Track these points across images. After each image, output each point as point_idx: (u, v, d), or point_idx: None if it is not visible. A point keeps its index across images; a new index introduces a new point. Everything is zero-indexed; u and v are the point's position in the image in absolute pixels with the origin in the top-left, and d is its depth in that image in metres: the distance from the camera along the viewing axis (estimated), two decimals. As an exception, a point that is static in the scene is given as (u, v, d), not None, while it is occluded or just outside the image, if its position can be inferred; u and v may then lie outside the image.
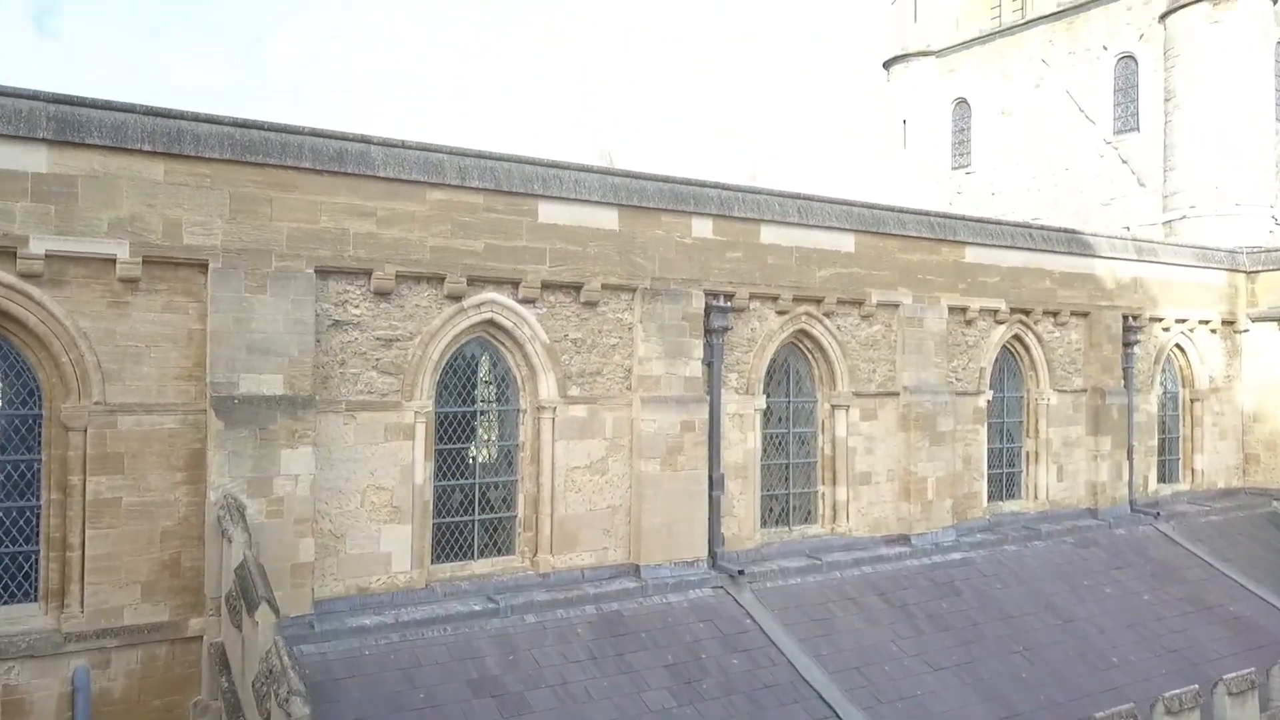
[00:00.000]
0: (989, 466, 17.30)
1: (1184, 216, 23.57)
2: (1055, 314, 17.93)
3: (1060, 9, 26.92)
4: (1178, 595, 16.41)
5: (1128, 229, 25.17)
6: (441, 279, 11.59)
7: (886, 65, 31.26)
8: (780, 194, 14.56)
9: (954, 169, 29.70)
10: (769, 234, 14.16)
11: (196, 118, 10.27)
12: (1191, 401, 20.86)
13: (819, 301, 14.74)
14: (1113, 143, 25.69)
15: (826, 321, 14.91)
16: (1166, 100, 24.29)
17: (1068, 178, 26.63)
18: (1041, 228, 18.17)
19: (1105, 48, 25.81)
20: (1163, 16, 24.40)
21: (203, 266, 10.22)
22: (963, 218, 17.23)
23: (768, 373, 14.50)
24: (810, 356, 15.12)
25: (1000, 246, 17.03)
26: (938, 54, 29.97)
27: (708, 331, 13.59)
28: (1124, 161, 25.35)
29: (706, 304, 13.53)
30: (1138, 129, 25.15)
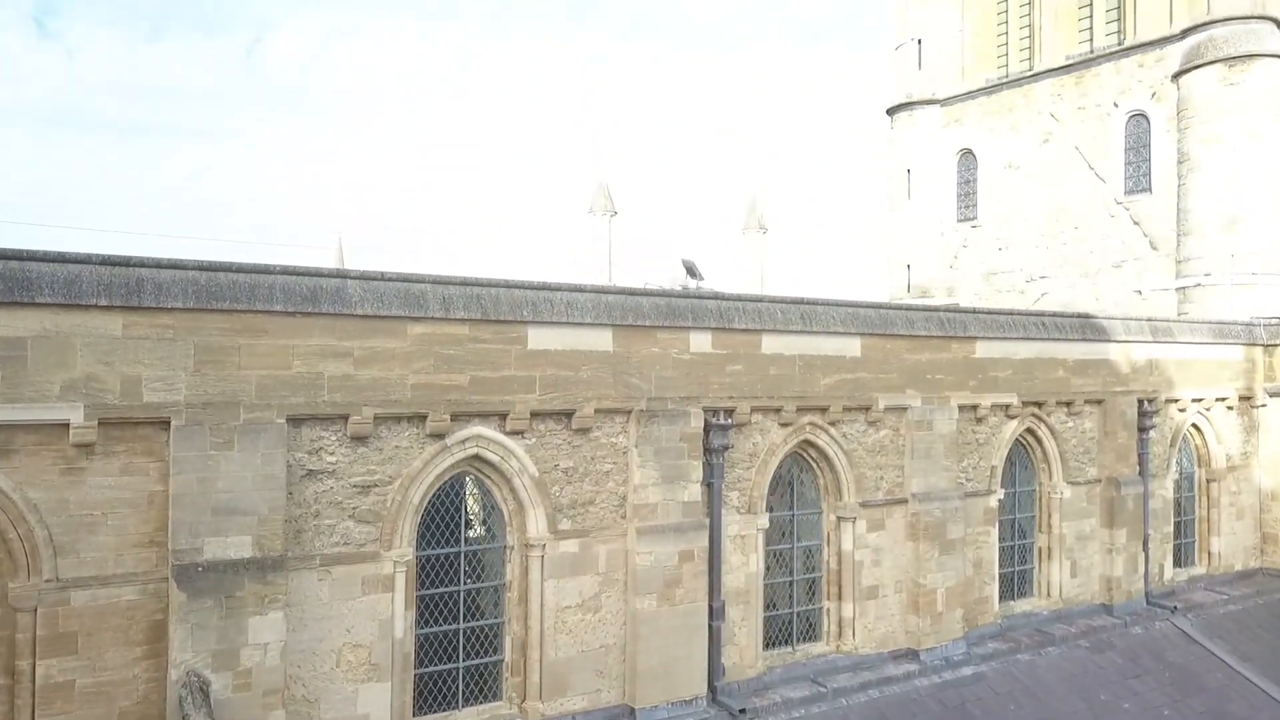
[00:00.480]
0: (1000, 566, 16.61)
1: (1198, 284, 22.88)
2: (1069, 404, 17.24)
3: (1069, 62, 26.25)
4: (1199, 709, 15.69)
5: (1139, 292, 24.48)
6: (423, 418, 10.89)
7: (890, 112, 30.59)
8: (783, 300, 13.88)
9: (959, 220, 29.01)
10: (771, 343, 13.46)
11: (158, 264, 9.58)
12: (1208, 482, 20.17)
13: (824, 410, 14.05)
14: (1124, 203, 25.00)
15: (832, 430, 14.21)
16: (1180, 163, 23.61)
17: (1077, 236, 25.95)
18: (1055, 315, 17.47)
19: (1116, 104, 25.14)
20: (1176, 76, 23.73)
21: (164, 424, 9.53)
22: (973, 311, 16.55)
23: (770, 488, 13.81)
24: (815, 466, 14.41)
25: (1012, 339, 16.34)
26: (943, 103, 29.31)
27: (707, 451, 12.89)
28: (1136, 223, 24.66)
29: (706, 422, 12.83)
30: (1150, 190, 24.46)
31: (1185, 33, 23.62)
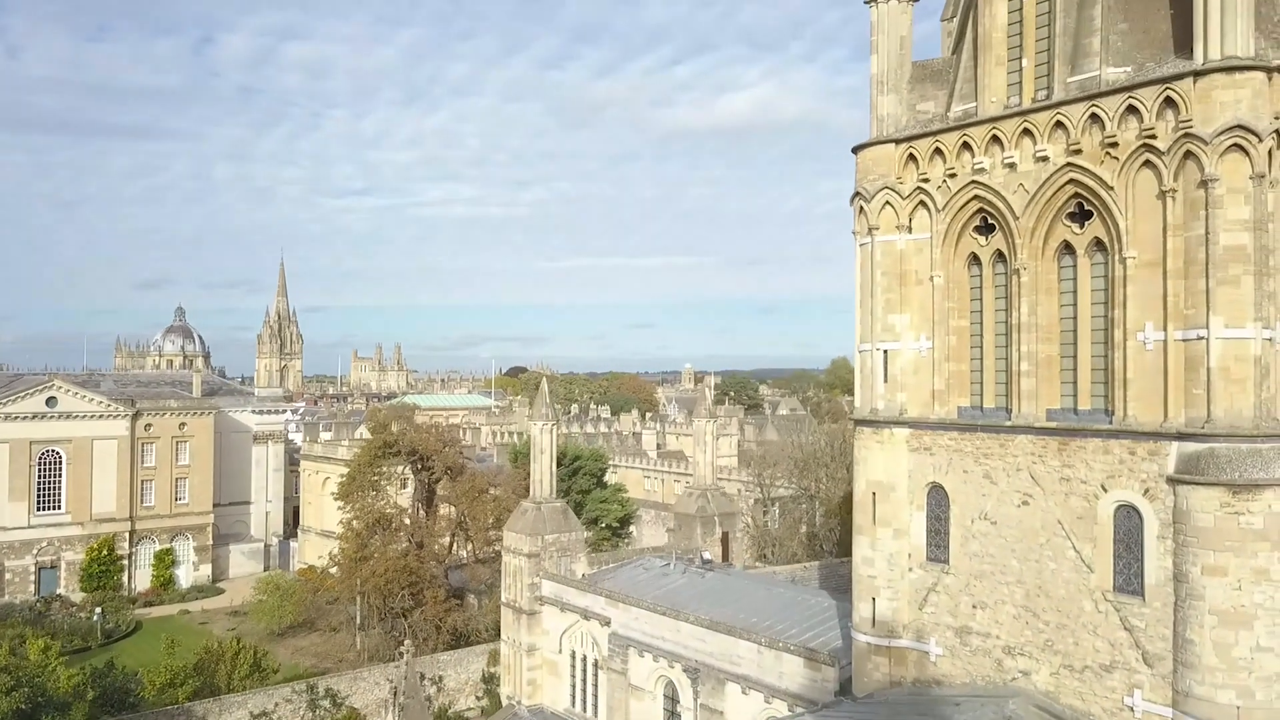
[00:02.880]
0: None
1: (1203, 734, 20.25)
2: None
3: (1052, 425, 23.58)
4: None
5: (1131, 709, 21.90)
6: None
7: (857, 423, 27.85)
8: None
9: (929, 560, 26.25)
10: None
11: None
12: None
13: None
14: (1113, 601, 22.33)
15: None
16: (1178, 581, 20.97)
17: (1061, 619, 23.25)
18: None
19: (1104, 489, 22.48)
20: (1173, 480, 21.14)
21: None
22: None
23: None
24: None
25: None
26: (911, 426, 26.59)
27: None
28: (1127, 629, 21.99)
29: None
30: (1142, 596, 21.80)
31: (1182, 436, 21.04)
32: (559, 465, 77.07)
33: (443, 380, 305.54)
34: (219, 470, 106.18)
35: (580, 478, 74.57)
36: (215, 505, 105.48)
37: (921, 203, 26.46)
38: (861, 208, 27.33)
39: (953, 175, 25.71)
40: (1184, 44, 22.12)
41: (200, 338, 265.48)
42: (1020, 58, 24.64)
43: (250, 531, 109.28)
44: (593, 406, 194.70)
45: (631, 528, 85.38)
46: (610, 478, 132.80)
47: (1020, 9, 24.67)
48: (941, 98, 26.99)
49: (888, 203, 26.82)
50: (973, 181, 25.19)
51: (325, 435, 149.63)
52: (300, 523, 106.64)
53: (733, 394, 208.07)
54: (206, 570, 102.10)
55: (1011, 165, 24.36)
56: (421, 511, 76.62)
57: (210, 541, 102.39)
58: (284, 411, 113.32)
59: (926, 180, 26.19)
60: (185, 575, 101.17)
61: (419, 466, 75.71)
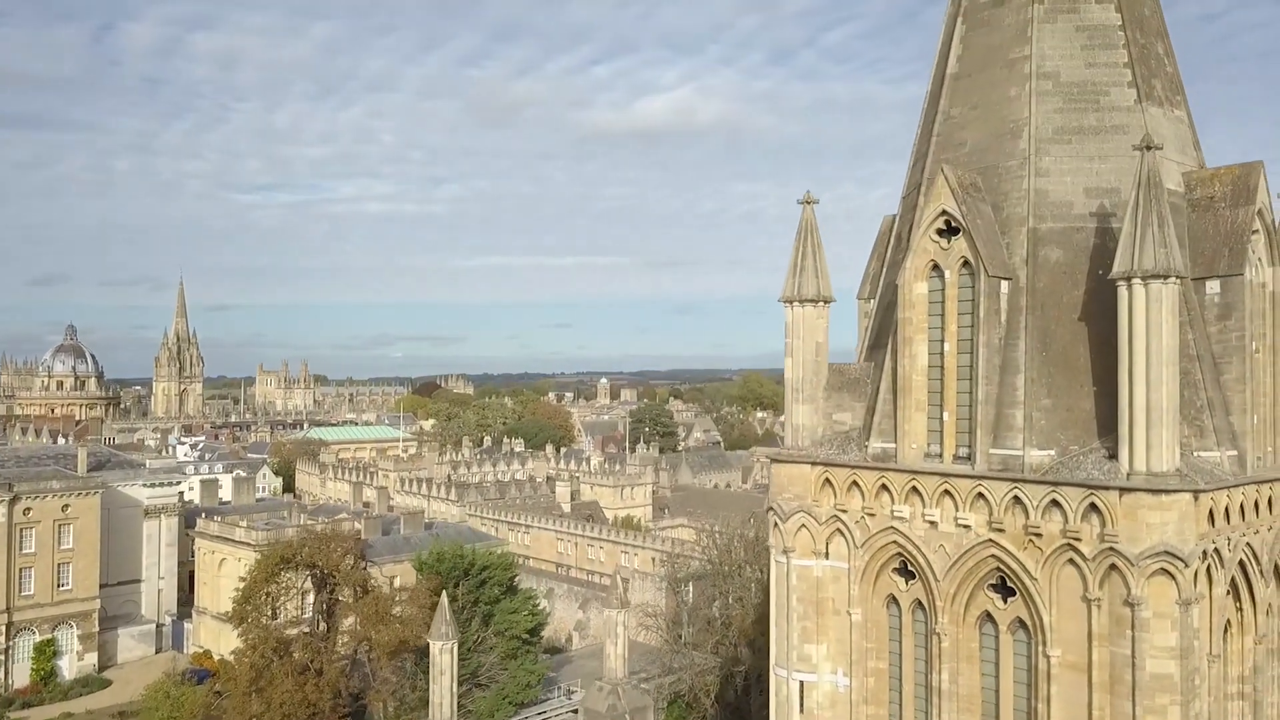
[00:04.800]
0: None
1: None
2: None
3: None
4: None
5: None
6: None
7: (768, 745, 26.48)
8: None
9: None
10: None
11: None
12: None
13: None
14: None
15: None
16: None
17: None
18: None
19: None
20: None
21: None
22: None
23: None
24: None
25: None
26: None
27: None
28: None
29: None
30: None
31: None
32: (467, 576, 74.64)
33: (350, 398, 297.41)
34: (106, 548, 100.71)
35: (489, 588, 72.38)
36: (102, 586, 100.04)
37: (839, 530, 25.16)
38: (776, 524, 25.91)
39: (871, 515, 24.43)
40: (1108, 425, 21.20)
41: (93, 357, 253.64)
42: (941, 409, 23.46)
43: (141, 611, 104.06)
44: (506, 440, 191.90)
45: (544, 620, 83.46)
46: (525, 538, 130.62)
47: (941, 356, 23.47)
48: (859, 410, 25.72)
49: (803, 525, 25.41)
50: (891, 527, 23.95)
51: (225, 480, 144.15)
52: (195, 603, 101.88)
53: (648, 425, 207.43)
54: (92, 659, 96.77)
55: (933, 523, 23.18)
56: (322, 624, 73.47)
57: (95, 629, 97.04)
58: (176, 484, 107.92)
59: (844, 511, 24.87)
60: (69, 666, 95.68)
61: (320, 580, 72.52)
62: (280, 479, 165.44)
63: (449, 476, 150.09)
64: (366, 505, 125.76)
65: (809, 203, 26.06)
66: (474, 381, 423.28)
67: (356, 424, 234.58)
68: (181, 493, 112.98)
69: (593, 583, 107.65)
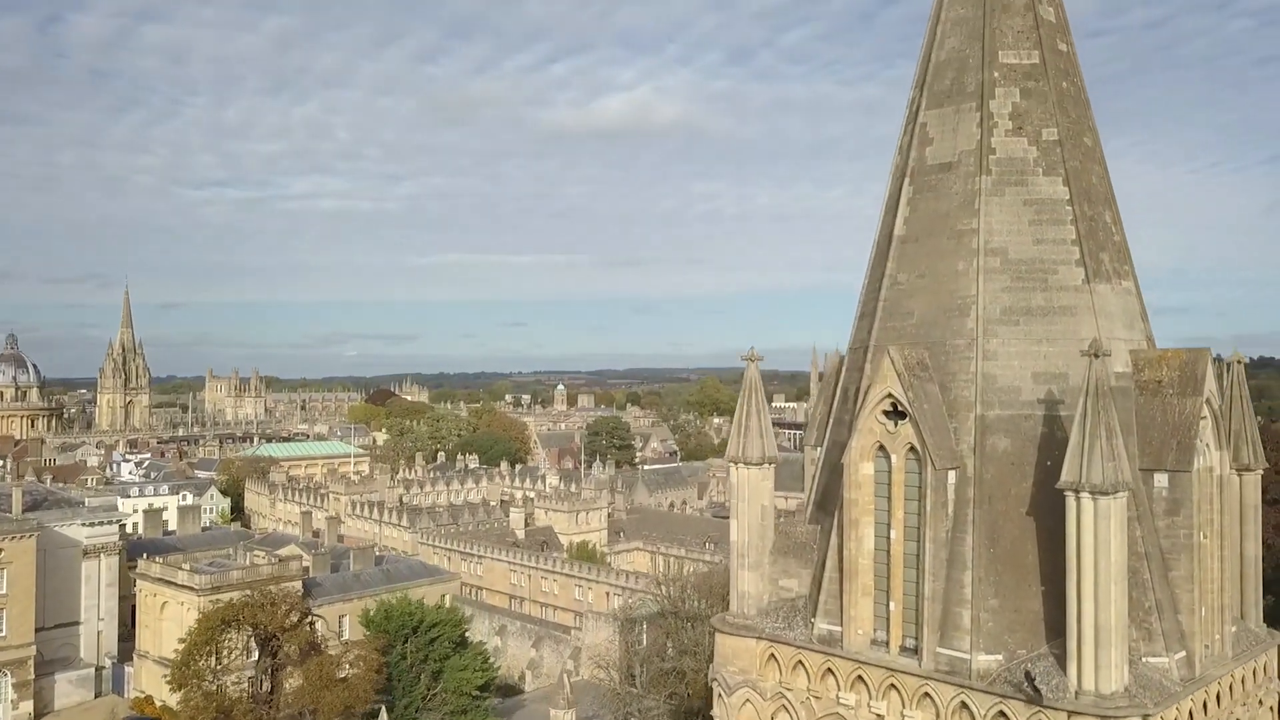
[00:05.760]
0: None
1: None
2: None
3: None
4: None
5: None
6: None
7: None
8: None
9: None
10: None
11: None
12: None
13: None
14: None
15: None
16: None
17: None
18: None
19: None
20: None
21: None
22: None
23: None
24: None
25: None
26: None
27: None
28: None
29: None
30: None
31: None
32: (415, 634, 73.07)
33: (303, 405, 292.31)
34: (43, 590, 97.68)
35: (439, 645, 71.10)
36: (39, 629, 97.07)
37: (784, 707, 24.46)
38: (720, 695, 25.19)
39: (818, 698, 23.75)
40: (1057, 629, 20.67)
41: (34, 367, 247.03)
42: (889, 597, 22.83)
43: (80, 654, 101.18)
44: (460, 456, 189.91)
45: (494, 675, 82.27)
46: (477, 568, 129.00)
47: (888, 541, 22.83)
48: (805, 577, 25.04)
49: (748, 700, 24.67)
50: (837, 714, 23.31)
51: (171, 502, 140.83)
52: (136, 646, 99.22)
53: (604, 438, 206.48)
54: (28, 707, 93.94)
55: (880, 716, 22.56)
56: (266, 684, 71.71)
57: (31, 675, 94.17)
58: (116, 521, 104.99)
59: (789, 690, 24.19)
60: (3, 715, 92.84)
61: (264, 640, 70.71)
62: (229, 499, 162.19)
63: (400, 499, 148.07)
64: (316, 535, 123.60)
65: (753, 360, 25.36)
66: (429, 383, 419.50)
67: (308, 437, 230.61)
68: (123, 525, 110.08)
69: (546, 620, 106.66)
